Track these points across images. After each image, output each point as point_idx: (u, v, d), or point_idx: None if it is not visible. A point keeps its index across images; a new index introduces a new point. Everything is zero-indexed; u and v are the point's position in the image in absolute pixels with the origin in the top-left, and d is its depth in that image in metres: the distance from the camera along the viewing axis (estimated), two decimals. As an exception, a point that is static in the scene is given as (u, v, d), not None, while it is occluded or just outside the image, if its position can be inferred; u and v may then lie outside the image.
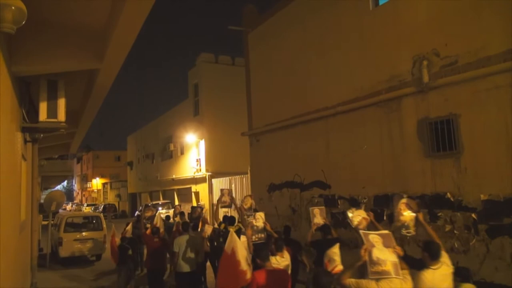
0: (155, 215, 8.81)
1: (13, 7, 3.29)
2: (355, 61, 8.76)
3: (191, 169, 22.87)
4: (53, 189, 31.20)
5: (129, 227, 9.40)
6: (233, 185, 17.64)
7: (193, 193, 23.10)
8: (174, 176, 25.82)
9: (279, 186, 11.15)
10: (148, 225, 8.46)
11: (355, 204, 8.55)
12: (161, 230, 7.90)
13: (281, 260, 4.87)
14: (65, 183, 71.45)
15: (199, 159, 22.20)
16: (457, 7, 6.76)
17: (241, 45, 13.67)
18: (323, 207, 7.00)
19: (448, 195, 6.69)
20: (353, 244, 8.43)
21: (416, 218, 4.78)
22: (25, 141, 7.55)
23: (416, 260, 7.03)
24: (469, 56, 6.47)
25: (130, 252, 8.25)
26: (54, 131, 7.15)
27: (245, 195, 15.90)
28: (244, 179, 16.30)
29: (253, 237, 5.34)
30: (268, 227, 5.71)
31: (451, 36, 6.78)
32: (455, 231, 6.56)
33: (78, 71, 6.35)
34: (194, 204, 20.59)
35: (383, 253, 3.58)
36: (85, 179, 62.56)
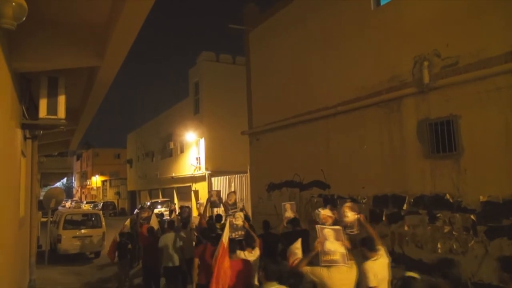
0: (151, 216, 9.39)
1: (13, 3, 3.29)
2: (355, 61, 8.75)
3: (191, 167, 22.88)
4: (52, 186, 31.22)
5: (127, 222, 10.18)
6: (232, 184, 17.65)
7: (192, 192, 23.11)
8: (173, 174, 25.84)
9: (279, 185, 11.15)
10: (146, 225, 8.94)
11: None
12: (155, 227, 8.66)
13: (249, 255, 5.40)
14: (64, 180, 71.50)
15: (199, 157, 22.21)
16: (458, 8, 6.75)
17: (242, 44, 13.66)
18: (293, 202, 7.71)
19: (448, 196, 6.69)
20: (351, 244, 8.43)
21: (358, 220, 5.41)
22: (25, 138, 7.55)
23: (415, 260, 7.05)
24: (470, 57, 6.46)
25: (129, 246, 9.12)
26: (54, 128, 7.14)
27: (245, 193, 16.00)
28: (244, 178, 16.31)
29: (233, 234, 5.77)
30: (246, 225, 6.11)
31: (452, 37, 6.77)
32: (454, 232, 6.56)
33: (79, 68, 6.35)
34: (194, 203, 20.63)
35: (334, 245, 4.21)
36: (84, 176, 62.61)
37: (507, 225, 5.84)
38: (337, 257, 4.14)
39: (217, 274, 4.87)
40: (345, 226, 5.32)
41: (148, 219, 9.21)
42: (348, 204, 5.76)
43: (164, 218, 12.11)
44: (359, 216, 5.44)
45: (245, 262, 5.24)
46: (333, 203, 9.14)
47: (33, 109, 6.84)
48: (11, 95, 4.97)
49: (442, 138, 6.80)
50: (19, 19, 3.41)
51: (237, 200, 8.31)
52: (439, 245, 6.70)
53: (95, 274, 11.09)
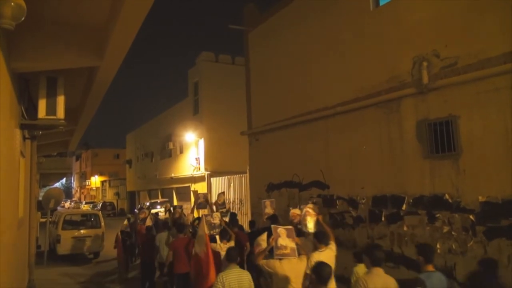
0: (147, 217, 10.43)
1: (12, 3, 3.28)
2: (355, 61, 8.76)
3: (190, 167, 22.88)
4: (51, 187, 31.16)
5: (126, 222, 11.77)
6: (231, 185, 17.65)
7: (191, 192, 23.09)
8: (173, 175, 25.83)
9: (278, 185, 11.15)
10: (142, 225, 9.90)
11: (353, 204, 8.57)
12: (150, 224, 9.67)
13: (224, 247, 6.22)
14: (63, 180, 71.46)
15: (198, 158, 22.20)
16: (457, 9, 6.76)
17: (242, 44, 13.66)
18: (273, 199, 8.56)
19: (447, 196, 6.69)
20: (350, 244, 8.45)
21: (317, 220, 6.31)
22: (24, 138, 7.54)
23: (414, 261, 7.04)
24: (469, 57, 6.47)
25: (128, 243, 10.50)
26: (53, 128, 7.13)
27: (244, 194, 16.01)
28: (243, 178, 16.30)
29: (211, 231, 6.83)
30: (223, 223, 7.23)
31: (452, 38, 6.78)
32: (453, 233, 6.56)
33: (78, 68, 6.34)
34: (192, 203, 20.61)
35: (285, 241, 5.06)
36: (83, 176, 62.56)
37: (506, 225, 5.85)
38: (288, 251, 4.99)
39: (208, 262, 5.66)
40: (305, 225, 6.28)
41: (145, 219, 10.12)
42: (309, 205, 6.67)
43: (158, 217, 12.85)
44: (318, 216, 6.37)
45: (215, 253, 6.14)
46: (332, 203, 9.17)
47: (32, 109, 6.82)
48: (10, 95, 4.97)
49: (441, 138, 6.81)
50: (18, 19, 3.41)
51: (225, 201, 9.37)
52: (438, 245, 6.70)
53: (94, 274, 11.08)
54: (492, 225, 6.02)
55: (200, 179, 21.89)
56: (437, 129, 6.89)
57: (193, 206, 9.27)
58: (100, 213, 15.29)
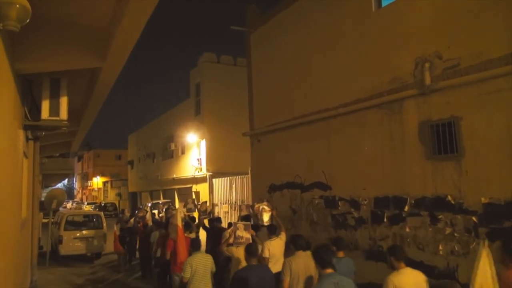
0: (145, 215, 11.78)
1: (17, 5, 3.30)
2: (357, 63, 8.76)
3: (192, 168, 22.88)
4: (54, 187, 31.24)
5: (116, 227, 12.66)
6: (233, 185, 17.64)
7: (193, 193, 23.10)
8: (174, 176, 25.83)
9: (280, 186, 11.15)
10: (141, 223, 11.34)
11: (355, 205, 8.56)
12: (150, 223, 10.88)
13: (191, 235, 7.84)
14: (66, 181, 71.54)
15: (200, 158, 22.20)
16: (460, 10, 6.76)
17: (243, 45, 13.67)
18: (249, 203, 10.35)
19: (449, 197, 6.69)
20: (352, 245, 8.44)
21: (272, 215, 8.03)
22: (27, 139, 7.57)
23: (416, 262, 7.03)
24: (472, 59, 6.46)
25: (127, 239, 11.90)
26: (56, 129, 7.17)
27: (246, 195, 16.00)
28: (245, 179, 16.30)
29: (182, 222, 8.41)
30: (186, 218, 9.27)
31: (454, 39, 6.78)
32: (455, 234, 6.55)
33: (81, 69, 6.37)
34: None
35: (242, 233, 6.67)
36: (85, 177, 62.64)
37: (508, 227, 5.84)
38: (243, 240, 6.51)
39: (180, 244, 7.17)
40: (261, 219, 8.02)
41: (143, 218, 11.44)
42: (265, 203, 8.58)
43: (155, 216, 13.53)
44: (272, 212, 8.13)
45: (188, 238, 7.49)
46: (334, 204, 9.16)
47: (35, 110, 6.85)
48: (13, 96, 4.99)
49: (443, 139, 6.80)
50: (23, 21, 3.43)
51: (207, 208, 11.14)
52: (440, 247, 6.69)
53: (96, 275, 11.10)
54: (495, 227, 6.01)
55: (202, 180, 21.89)
56: (439, 130, 6.88)
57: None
58: (102, 213, 15.29)
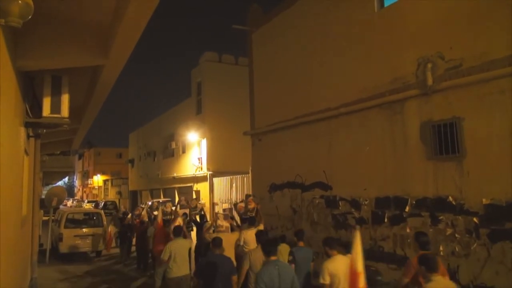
0: (141, 213, 12.40)
1: (19, 1, 3.29)
2: (359, 63, 8.75)
3: (193, 167, 22.88)
4: (54, 185, 31.25)
5: (129, 216, 13.41)
6: (234, 185, 17.64)
7: (194, 192, 23.10)
8: (175, 174, 25.83)
9: (280, 186, 11.15)
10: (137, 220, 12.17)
11: (356, 205, 8.55)
12: (146, 219, 11.53)
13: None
14: (66, 179, 71.57)
15: (201, 157, 22.20)
16: (462, 10, 6.74)
17: (245, 44, 13.66)
18: (227, 213, 11.87)
19: (450, 198, 6.68)
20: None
21: (256, 208, 8.78)
22: (28, 136, 7.56)
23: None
24: (474, 59, 6.45)
25: (128, 234, 12.53)
26: (57, 126, 7.14)
27: (245, 194, 15.99)
28: (245, 178, 16.29)
29: (167, 216, 9.90)
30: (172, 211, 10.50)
31: (456, 39, 6.76)
32: (456, 235, 6.54)
33: (82, 67, 6.36)
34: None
35: (222, 222, 8.34)
36: (86, 175, 62.65)
37: (510, 228, 5.83)
38: (223, 228, 8.16)
39: (159, 236, 8.68)
40: (248, 211, 8.73)
41: (139, 215, 12.16)
42: (251, 197, 9.41)
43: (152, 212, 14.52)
44: (256, 205, 8.86)
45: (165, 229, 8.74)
46: (335, 204, 9.15)
47: (36, 107, 6.84)
48: (15, 93, 4.98)
49: (445, 140, 6.79)
50: (25, 17, 3.42)
51: (197, 205, 12.10)
52: (441, 248, 6.68)
53: (96, 273, 11.10)
54: (496, 228, 6.00)
55: (202, 179, 21.89)
56: (441, 130, 6.87)
57: (176, 206, 12.13)
58: (102, 212, 15.29)
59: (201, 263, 5.93)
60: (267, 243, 4.74)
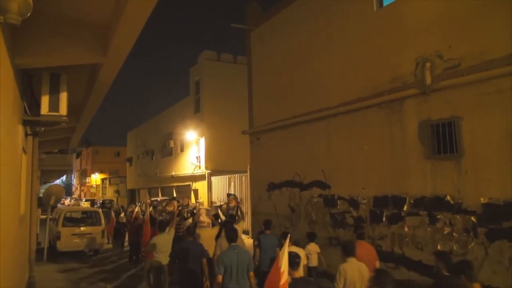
0: (133, 210, 12.78)
1: (18, -1, 3.28)
2: (357, 62, 8.75)
3: (191, 166, 22.87)
4: (52, 183, 31.19)
5: (122, 215, 14.31)
6: (232, 183, 17.64)
7: (192, 191, 23.09)
8: (173, 173, 25.82)
9: (279, 185, 11.15)
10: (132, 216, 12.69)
11: (354, 204, 8.56)
12: (141, 216, 12.06)
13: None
14: (64, 177, 71.42)
15: (199, 156, 22.19)
16: (461, 10, 6.75)
17: (244, 43, 13.65)
18: (209, 208, 11.50)
19: (448, 197, 6.69)
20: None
21: (237, 205, 9.15)
22: (26, 134, 7.54)
23: (414, 262, 7.06)
24: (473, 59, 6.46)
25: (121, 230, 13.25)
26: (55, 124, 7.12)
27: (244, 193, 16.01)
28: (244, 177, 16.30)
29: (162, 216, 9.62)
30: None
31: (455, 39, 6.77)
32: (454, 234, 6.56)
33: (81, 65, 6.34)
34: (193, 201, 20.64)
35: (204, 218, 8.66)
36: (84, 174, 62.57)
37: (507, 227, 5.85)
38: (205, 224, 8.55)
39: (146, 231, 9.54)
40: (230, 209, 9.06)
41: (132, 212, 12.57)
42: (232, 196, 9.64)
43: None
44: (237, 204, 9.25)
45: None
46: (333, 203, 9.17)
47: (34, 105, 6.81)
48: (13, 91, 4.97)
49: (443, 139, 6.80)
50: (24, 15, 3.40)
51: (188, 203, 13.39)
52: (439, 247, 6.70)
53: (94, 271, 11.09)
54: (494, 227, 6.02)
55: (200, 177, 21.88)
56: (439, 130, 6.88)
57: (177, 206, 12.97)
58: (100, 210, 15.25)
59: (177, 247, 6.80)
60: (229, 232, 5.65)
